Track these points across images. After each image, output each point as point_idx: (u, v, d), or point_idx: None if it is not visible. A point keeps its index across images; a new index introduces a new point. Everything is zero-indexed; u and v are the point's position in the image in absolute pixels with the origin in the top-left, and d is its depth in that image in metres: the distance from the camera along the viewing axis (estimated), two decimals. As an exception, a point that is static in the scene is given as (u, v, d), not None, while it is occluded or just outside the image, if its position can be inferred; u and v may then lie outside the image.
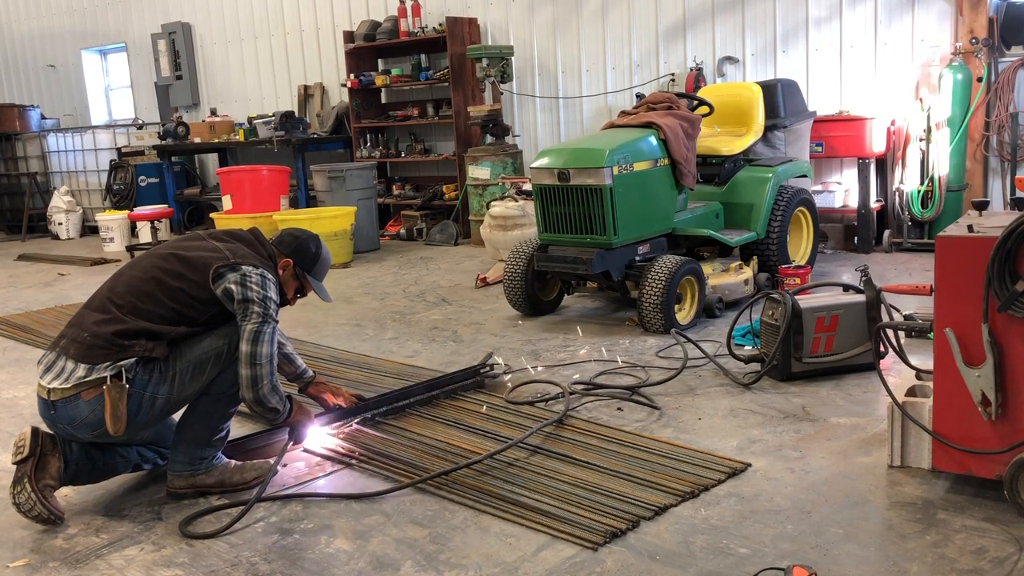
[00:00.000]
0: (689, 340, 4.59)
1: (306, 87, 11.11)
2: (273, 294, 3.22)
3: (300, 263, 3.42)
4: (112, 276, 3.32)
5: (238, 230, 3.44)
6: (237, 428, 3.88)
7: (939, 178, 6.93)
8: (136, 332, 3.06)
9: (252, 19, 11.49)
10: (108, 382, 3.01)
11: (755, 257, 5.91)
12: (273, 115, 10.49)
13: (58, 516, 3.07)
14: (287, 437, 3.46)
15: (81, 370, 3.03)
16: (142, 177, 11.49)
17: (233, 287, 3.12)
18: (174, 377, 3.11)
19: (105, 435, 3.07)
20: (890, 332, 3.47)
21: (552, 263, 5.33)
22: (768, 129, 6.38)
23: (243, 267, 3.17)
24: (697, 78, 7.88)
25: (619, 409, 3.95)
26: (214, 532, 2.97)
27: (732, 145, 6.09)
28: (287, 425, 3.42)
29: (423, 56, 9.61)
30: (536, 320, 5.68)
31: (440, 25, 9.20)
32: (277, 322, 3.23)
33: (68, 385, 3.02)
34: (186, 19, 12.13)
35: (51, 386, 3.05)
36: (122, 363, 3.03)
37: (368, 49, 9.92)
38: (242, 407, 3.29)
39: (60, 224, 11.81)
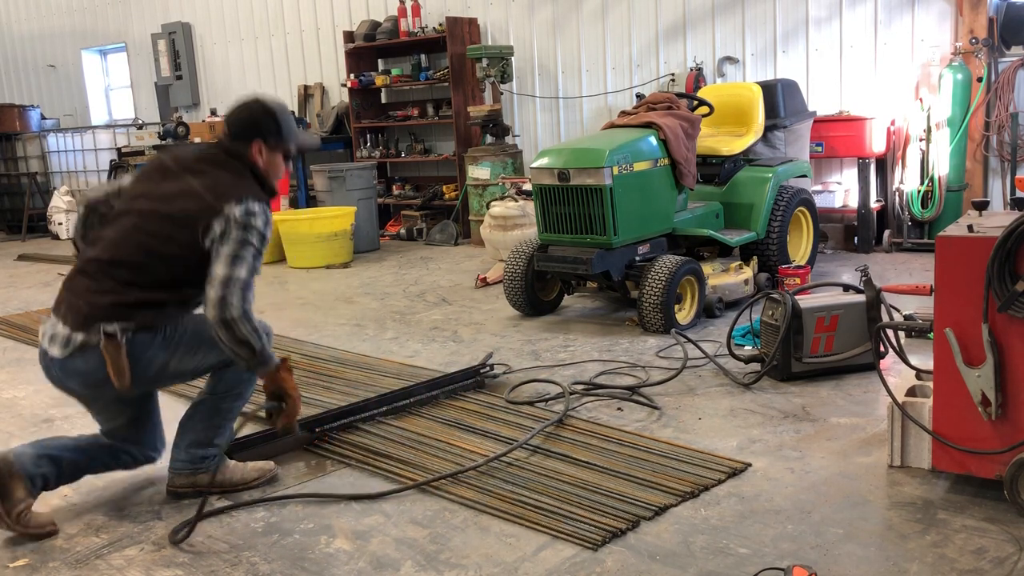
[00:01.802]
0: (689, 340, 4.59)
1: (306, 87, 11.11)
2: (259, 223, 3.00)
3: (269, 135, 3.20)
4: (98, 237, 3.13)
5: (207, 150, 3.22)
6: (237, 428, 3.88)
7: (939, 178, 6.93)
8: (136, 304, 2.97)
9: (252, 19, 11.49)
10: (103, 340, 2.91)
11: (755, 257, 5.91)
12: (273, 115, 10.47)
13: (47, 532, 3.02)
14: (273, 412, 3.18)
15: (80, 337, 2.94)
16: (142, 177, 11.46)
17: (217, 229, 2.95)
18: (175, 346, 3.02)
19: (108, 390, 2.98)
20: (890, 332, 3.47)
21: (552, 263, 5.33)
22: (768, 129, 6.38)
23: (226, 209, 2.97)
24: (697, 78, 7.88)
25: (619, 409, 3.95)
26: (188, 524, 2.94)
27: (732, 145, 6.09)
28: (273, 384, 3.09)
29: (423, 56, 9.61)
30: (536, 320, 5.68)
31: (440, 25, 9.20)
32: (261, 254, 3.01)
33: (68, 350, 2.95)
34: (186, 19, 12.13)
35: (52, 351, 2.99)
36: (118, 324, 2.93)
37: (368, 49, 9.92)
38: (246, 407, 3.29)
39: (60, 224, 11.80)
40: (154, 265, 3.01)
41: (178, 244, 2.99)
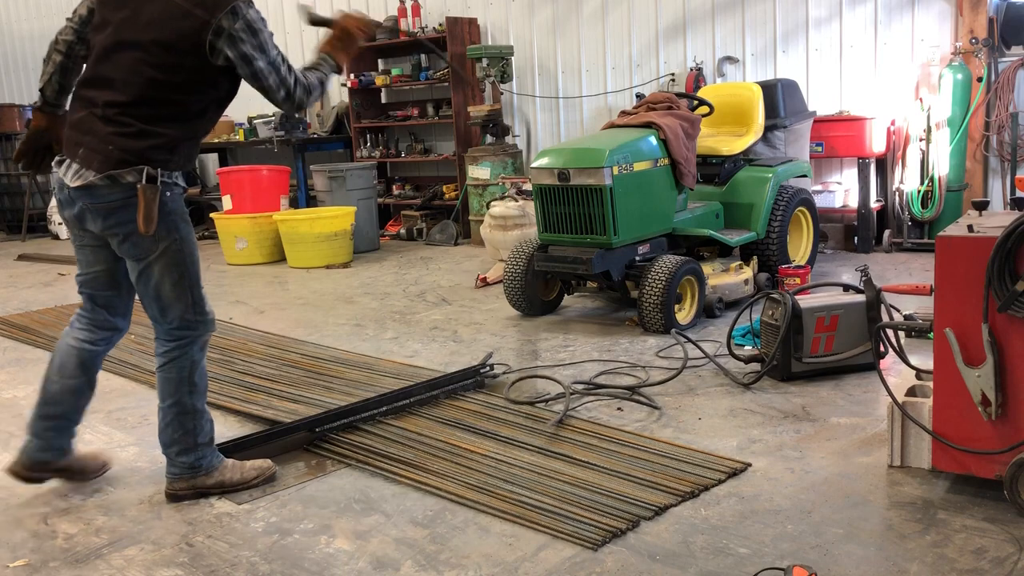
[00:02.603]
0: (689, 340, 4.59)
1: (306, 87, 11.09)
2: (257, 23, 2.89)
3: None
4: (102, 79, 2.93)
5: None
6: (237, 428, 3.88)
7: (939, 178, 6.93)
8: (168, 142, 2.91)
9: (252, 19, 11.46)
10: (144, 182, 2.85)
11: (755, 257, 5.91)
12: (273, 115, 10.48)
13: (103, 470, 3.28)
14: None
15: (107, 178, 2.88)
16: (142, 177, 11.45)
17: (222, 48, 2.86)
18: (179, 240, 3.00)
19: (113, 224, 2.94)
20: (890, 332, 3.47)
21: (552, 263, 5.33)
22: (768, 129, 6.38)
23: (224, 22, 2.82)
24: (697, 78, 7.89)
25: (619, 409, 3.95)
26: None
27: (732, 145, 6.09)
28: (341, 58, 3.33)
29: (423, 56, 9.62)
30: (536, 320, 5.68)
31: (440, 25, 9.20)
32: (273, 43, 2.95)
33: (98, 181, 2.87)
34: (186, 19, 12.13)
35: (74, 183, 2.90)
36: (158, 169, 2.89)
37: (368, 49, 9.91)
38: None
39: (60, 224, 11.79)
40: (174, 97, 2.91)
41: (188, 70, 2.89)
